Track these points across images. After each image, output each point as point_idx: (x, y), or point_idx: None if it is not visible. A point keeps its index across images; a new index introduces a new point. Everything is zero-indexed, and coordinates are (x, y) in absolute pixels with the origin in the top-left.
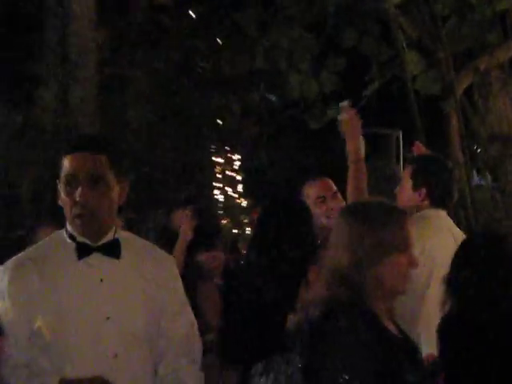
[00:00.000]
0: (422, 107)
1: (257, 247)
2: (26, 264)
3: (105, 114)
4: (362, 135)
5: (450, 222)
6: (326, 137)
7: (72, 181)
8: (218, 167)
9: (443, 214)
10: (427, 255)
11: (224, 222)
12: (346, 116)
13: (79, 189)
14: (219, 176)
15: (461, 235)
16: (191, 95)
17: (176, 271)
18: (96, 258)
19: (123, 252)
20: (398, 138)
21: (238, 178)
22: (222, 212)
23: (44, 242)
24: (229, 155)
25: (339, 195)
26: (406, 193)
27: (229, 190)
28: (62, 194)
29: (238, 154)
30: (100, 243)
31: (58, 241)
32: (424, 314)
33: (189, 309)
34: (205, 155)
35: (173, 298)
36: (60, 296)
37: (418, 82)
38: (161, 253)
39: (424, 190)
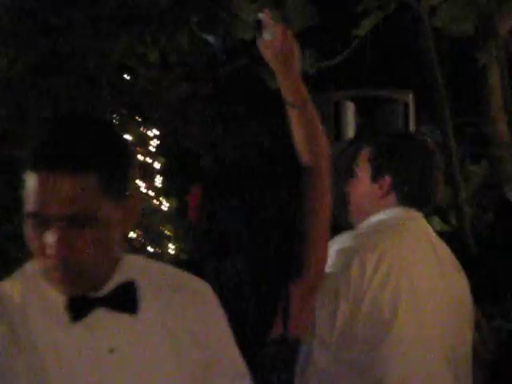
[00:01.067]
0: (444, 57)
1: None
2: None
3: None
4: (353, 99)
5: (429, 228)
6: None
7: (39, 222)
8: None
9: (417, 215)
10: (394, 276)
11: (133, 235)
12: (273, 36)
13: (51, 233)
14: None
15: (446, 251)
16: (79, 33)
17: (221, 310)
18: (100, 317)
19: (142, 299)
20: (406, 104)
21: (156, 165)
22: None
23: (16, 283)
24: (141, 130)
25: None
26: (362, 185)
27: (141, 184)
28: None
29: (155, 128)
30: (103, 293)
31: (35, 286)
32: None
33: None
34: None
35: (223, 355)
36: (48, 380)
37: (440, 17)
38: (196, 284)
39: (387, 180)
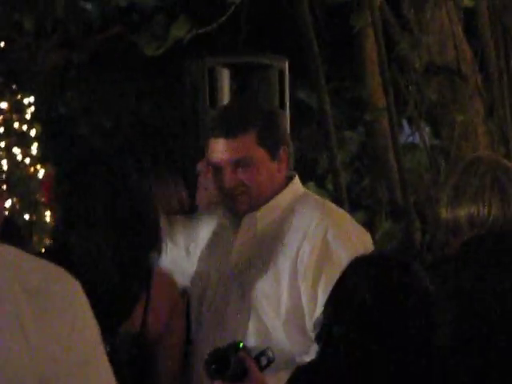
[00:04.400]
0: (320, 22)
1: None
2: None
3: None
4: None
5: None
6: (170, 69)
7: None
8: None
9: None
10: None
11: (9, 202)
12: None
13: None
14: (1, 131)
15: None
16: None
17: (81, 309)
18: None
19: None
20: (282, 71)
21: (32, 133)
22: (4, 187)
23: None
24: (17, 98)
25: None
26: (265, 171)
27: (17, 152)
28: None
29: (30, 95)
30: None
31: None
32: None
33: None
34: None
35: (68, 356)
36: None
37: None
38: (58, 286)
39: (284, 152)
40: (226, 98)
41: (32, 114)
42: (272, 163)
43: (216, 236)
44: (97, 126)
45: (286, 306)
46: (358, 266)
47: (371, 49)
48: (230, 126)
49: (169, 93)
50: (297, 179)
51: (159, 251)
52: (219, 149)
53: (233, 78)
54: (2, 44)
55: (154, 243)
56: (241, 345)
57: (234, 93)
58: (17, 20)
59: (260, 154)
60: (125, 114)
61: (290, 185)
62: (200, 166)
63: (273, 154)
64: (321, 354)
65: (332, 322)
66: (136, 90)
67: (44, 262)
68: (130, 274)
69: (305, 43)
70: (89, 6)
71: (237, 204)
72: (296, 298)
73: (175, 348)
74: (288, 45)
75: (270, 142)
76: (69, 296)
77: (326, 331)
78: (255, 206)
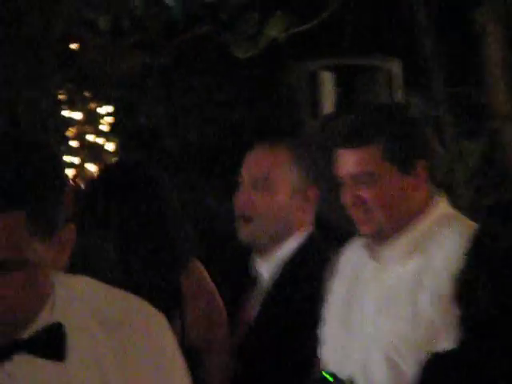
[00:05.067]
0: (435, 16)
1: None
2: None
3: None
4: (331, 69)
5: None
6: (265, 73)
7: None
8: (71, 129)
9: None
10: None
11: None
12: None
13: None
14: (74, 145)
15: None
16: None
17: (167, 344)
18: (22, 364)
19: (71, 342)
20: (392, 74)
21: (109, 147)
22: None
23: None
24: (91, 106)
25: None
26: (393, 189)
27: (91, 168)
28: None
29: (106, 104)
30: (25, 336)
31: None
32: None
33: None
34: (45, 107)
35: None
36: None
37: None
38: (140, 317)
39: (422, 167)
40: (329, 105)
41: (109, 125)
42: (403, 179)
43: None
44: (182, 138)
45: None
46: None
47: (495, 49)
48: (351, 135)
49: (263, 101)
50: (443, 199)
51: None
52: (340, 160)
53: (337, 82)
54: (74, 46)
55: (184, 262)
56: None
57: (338, 99)
58: (90, 19)
59: (387, 169)
60: (213, 124)
61: (433, 206)
62: None
63: (404, 170)
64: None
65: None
66: (226, 98)
67: (124, 293)
68: (158, 293)
69: (418, 42)
70: (171, 3)
71: (359, 226)
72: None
73: (217, 359)
74: (399, 44)
75: (401, 155)
76: (153, 330)
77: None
78: (387, 231)
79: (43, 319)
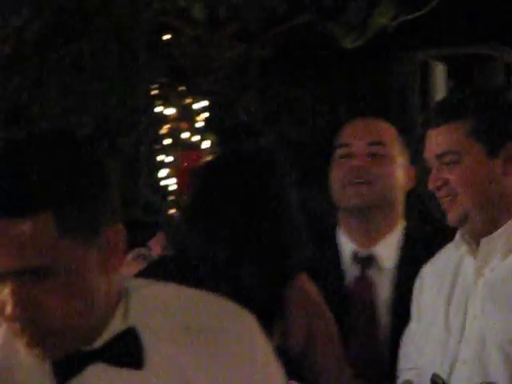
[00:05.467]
0: None
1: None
2: None
3: None
4: (443, 59)
5: None
6: (373, 65)
7: None
8: (165, 126)
9: None
10: None
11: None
12: None
13: (5, 291)
14: (168, 143)
15: None
16: None
17: (261, 351)
18: (96, 375)
19: (150, 349)
20: (510, 65)
21: (205, 145)
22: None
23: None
24: (187, 102)
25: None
26: (480, 171)
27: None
28: None
29: (203, 99)
30: (97, 345)
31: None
32: None
33: None
34: (138, 101)
35: None
36: None
37: None
38: (232, 321)
39: (504, 155)
40: (441, 97)
41: (205, 121)
42: (490, 161)
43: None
44: (283, 135)
45: None
46: None
47: None
48: (438, 113)
49: (371, 94)
50: None
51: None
52: (427, 141)
53: (450, 73)
54: (167, 37)
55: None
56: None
57: (451, 91)
58: (184, 7)
59: (472, 148)
60: (317, 119)
61: None
62: None
63: (491, 150)
64: None
65: None
66: (330, 91)
67: (212, 296)
68: (258, 300)
69: None
70: None
71: (446, 214)
72: None
73: (318, 364)
74: None
75: (489, 133)
76: (245, 335)
77: None
78: (478, 224)
79: (115, 326)
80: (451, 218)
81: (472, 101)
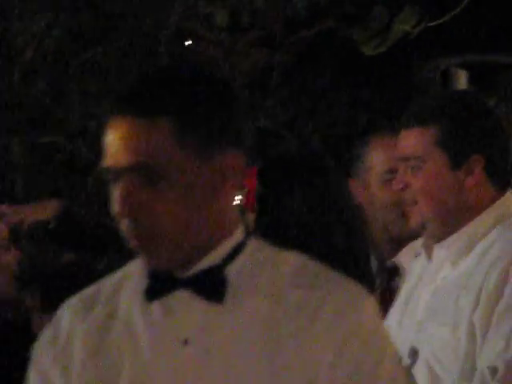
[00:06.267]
0: None
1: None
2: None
3: None
4: (465, 66)
5: None
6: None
7: (113, 178)
8: None
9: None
10: None
11: None
12: None
13: (118, 187)
14: None
15: None
16: None
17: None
18: (180, 301)
19: (237, 289)
20: None
21: None
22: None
23: (117, 273)
24: None
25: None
26: (439, 176)
27: None
28: None
29: None
30: (190, 273)
31: (133, 270)
32: None
33: None
34: None
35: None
36: (109, 370)
37: None
38: (344, 290)
39: (477, 163)
40: None
41: None
42: (452, 173)
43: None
44: (304, 141)
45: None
46: None
47: None
48: (411, 115)
49: (392, 101)
50: (507, 197)
51: None
52: (398, 141)
53: (472, 80)
54: (189, 43)
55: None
56: None
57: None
58: (206, 12)
59: (436, 156)
60: (339, 125)
61: (494, 205)
62: None
63: (455, 161)
64: None
65: None
66: (351, 98)
67: (336, 275)
68: None
69: None
70: None
71: (407, 218)
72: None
73: None
74: None
75: (456, 144)
76: (350, 311)
77: None
78: (437, 230)
79: (210, 260)
80: (411, 223)
81: (444, 108)
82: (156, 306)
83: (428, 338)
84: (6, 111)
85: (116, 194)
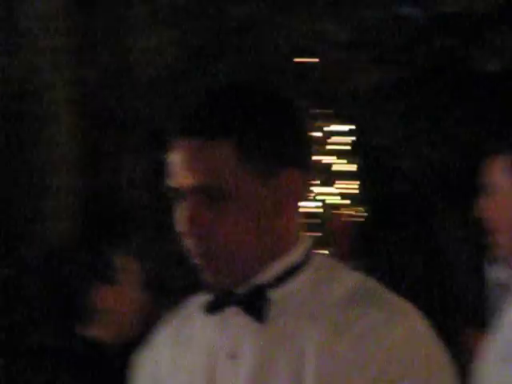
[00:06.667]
0: None
1: None
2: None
3: None
4: None
5: None
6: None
7: (178, 197)
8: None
9: None
10: None
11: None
12: None
13: (182, 207)
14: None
15: None
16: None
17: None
18: (231, 316)
19: (281, 309)
20: None
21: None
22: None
23: None
24: (324, 125)
25: None
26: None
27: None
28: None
29: (342, 123)
30: (243, 290)
31: None
32: None
33: None
34: None
35: None
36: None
37: None
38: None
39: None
40: None
41: (352, 144)
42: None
43: None
44: (421, 158)
45: None
46: None
47: None
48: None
49: (508, 118)
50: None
51: None
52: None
53: None
54: (306, 60)
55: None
56: None
57: None
58: (326, 30)
59: (506, 183)
60: (458, 142)
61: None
62: None
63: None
64: None
65: None
66: (471, 114)
67: (388, 295)
68: None
69: None
70: (408, 11)
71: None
72: None
73: None
74: None
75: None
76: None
77: None
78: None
79: (260, 280)
80: (495, 251)
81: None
82: (212, 320)
83: None
84: (130, 129)
85: (182, 213)
